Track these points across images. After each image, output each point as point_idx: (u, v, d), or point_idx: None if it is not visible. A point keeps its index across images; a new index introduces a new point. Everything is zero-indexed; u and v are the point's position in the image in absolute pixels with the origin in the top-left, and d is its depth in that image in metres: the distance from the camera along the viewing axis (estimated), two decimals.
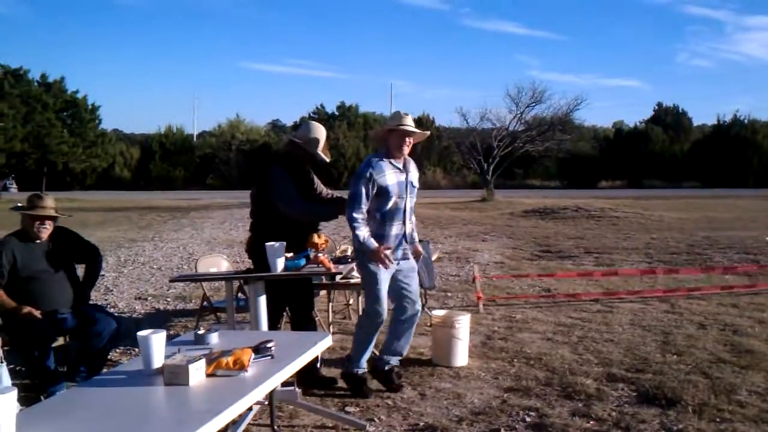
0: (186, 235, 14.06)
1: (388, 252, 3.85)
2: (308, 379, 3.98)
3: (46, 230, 4.07)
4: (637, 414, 3.61)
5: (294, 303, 4.25)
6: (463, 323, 4.58)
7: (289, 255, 3.89)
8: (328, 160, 4.24)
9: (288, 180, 4.07)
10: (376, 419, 3.59)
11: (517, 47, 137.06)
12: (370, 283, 3.94)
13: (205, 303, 5.02)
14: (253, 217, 4.31)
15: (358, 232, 3.81)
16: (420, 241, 4.40)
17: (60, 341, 4.01)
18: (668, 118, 46.50)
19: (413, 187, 4.03)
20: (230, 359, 2.40)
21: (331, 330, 5.30)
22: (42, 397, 3.38)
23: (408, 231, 4.04)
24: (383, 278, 3.90)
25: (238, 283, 4.59)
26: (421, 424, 3.53)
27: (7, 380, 2.53)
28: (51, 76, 35.34)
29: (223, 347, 2.60)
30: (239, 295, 4.87)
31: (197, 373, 2.28)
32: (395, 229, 3.96)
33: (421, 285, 5.02)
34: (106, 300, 7.02)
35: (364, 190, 3.82)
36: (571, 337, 5.27)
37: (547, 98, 27.86)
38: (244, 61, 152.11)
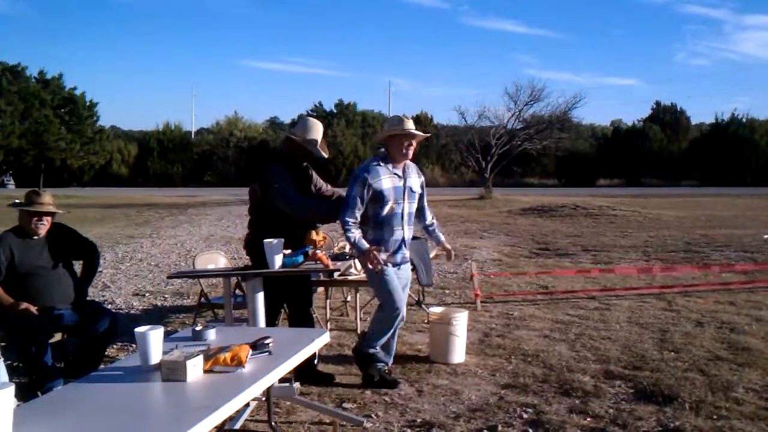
0: (184, 232, 14.06)
1: (383, 256, 3.87)
2: (306, 375, 3.98)
3: (44, 227, 4.06)
4: (634, 411, 3.61)
5: (292, 300, 4.26)
6: (461, 320, 4.58)
7: (287, 252, 3.89)
8: (326, 155, 4.23)
9: (286, 178, 4.06)
10: (373, 415, 3.59)
11: (516, 45, 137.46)
12: (375, 282, 4.01)
13: (202, 299, 5.02)
14: (251, 214, 4.31)
15: (349, 234, 3.85)
16: (417, 238, 4.41)
17: (57, 337, 4.01)
18: (666, 117, 46.51)
19: (412, 192, 4.03)
20: (228, 355, 2.40)
21: (329, 327, 5.31)
22: (39, 393, 3.37)
23: (407, 236, 4.06)
24: (388, 272, 3.92)
25: (235, 279, 4.59)
26: (419, 420, 3.53)
27: (5, 376, 2.52)
28: (49, 72, 35.39)
29: (221, 343, 2.60)
30: (237, 291, 4.87)
31: (195, 369, 2.28)
32: (393, 234, 3.98)
33: (419, 282, 5.04)
34: (103, 296, 7.02)
35: (358, 194, 3.85)
36: (568, 335, 5.27)
37: (546, 96, 27.84)
38: (243, 58, 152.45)
